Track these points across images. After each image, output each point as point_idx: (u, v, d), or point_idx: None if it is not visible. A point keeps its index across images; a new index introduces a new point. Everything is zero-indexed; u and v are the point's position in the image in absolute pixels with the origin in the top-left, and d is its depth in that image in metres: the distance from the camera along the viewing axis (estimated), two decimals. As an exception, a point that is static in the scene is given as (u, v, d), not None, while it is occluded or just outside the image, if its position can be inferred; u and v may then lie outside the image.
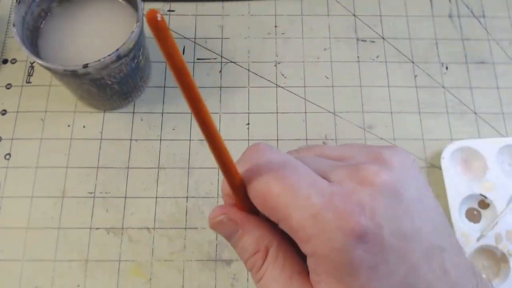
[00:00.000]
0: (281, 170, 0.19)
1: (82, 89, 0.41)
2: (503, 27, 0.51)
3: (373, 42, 0.50)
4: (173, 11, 0.51)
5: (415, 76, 0.49)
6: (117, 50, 0.37)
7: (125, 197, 0.43)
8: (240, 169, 0.20)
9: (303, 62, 0.49)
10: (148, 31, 0.48)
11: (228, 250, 0.42)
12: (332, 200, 0.18)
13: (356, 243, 0.17)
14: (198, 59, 0.49)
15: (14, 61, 0.48)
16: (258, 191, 0.19)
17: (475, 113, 0.48)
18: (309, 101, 0.47)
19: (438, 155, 0.44)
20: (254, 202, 0.20)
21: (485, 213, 0.43)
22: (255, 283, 0.20)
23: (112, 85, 0.41)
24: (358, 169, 0.19)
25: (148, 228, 0.42)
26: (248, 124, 0.46)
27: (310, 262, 0.19)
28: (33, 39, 0.41)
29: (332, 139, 0.46)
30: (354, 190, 0.18)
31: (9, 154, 0.45)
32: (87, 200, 0.43)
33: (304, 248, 0.18)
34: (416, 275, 0.18)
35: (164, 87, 0.47)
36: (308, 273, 0.19)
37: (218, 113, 0.47)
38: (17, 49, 0.48)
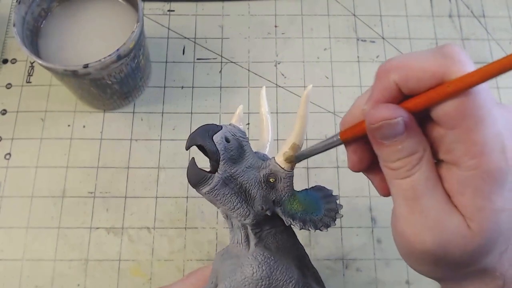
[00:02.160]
0: (481, 86, 0.19)
1: (82, 89, 0.41)
2: (503, 27, 0.51)
3: (373, 42, 0.50)
4: (173, 11, 0.51)
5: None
6: (118, 50, 0.37)
7: (125, 197, 0.43)
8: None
9: (303, 62, 0.49)
10: (148, 31, 0.48)
11: (228, 250, 0.42)
12: (509, 124, 0.20)
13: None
14: (198, 59, 0.49)
15: (14, 61, 0.48)
16: (457, 98, 0.19)
17: (475, 113, 0.48)
18: (309, 101, 0.47)
19: (438, 155, 0.44)
20: (442, 109, 0.19)
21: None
22: (396, 180, 0.21)
23: (112, 85, 0.41)
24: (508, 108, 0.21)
25: (148, 228, 0.42)
26: (248, 124, 0.46)
27: (461, 175, 0.20)
28: (33, 39, 0.41)
29: (332, 139, 0.46)
30: None
31: (9, 154, 0.45)
32: (87, 200, 0.43)
33: (466, 161, 0.19)
34: None
35: (164, 87, 0.47)
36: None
37: (218, 113, 0.47)
38: (17, 49, 0.48)
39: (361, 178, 0.44)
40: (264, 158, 0.29)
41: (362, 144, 0.23)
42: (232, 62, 0.49)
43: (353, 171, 0.25)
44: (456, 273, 0.22)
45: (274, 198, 0.27)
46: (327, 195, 0.29)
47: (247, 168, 0.27)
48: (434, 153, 0.21)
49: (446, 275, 0.22)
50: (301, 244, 0.30)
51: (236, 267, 0.27)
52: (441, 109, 0.19)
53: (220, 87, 0.48)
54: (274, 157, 0.28)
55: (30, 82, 0.47)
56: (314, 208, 0.28)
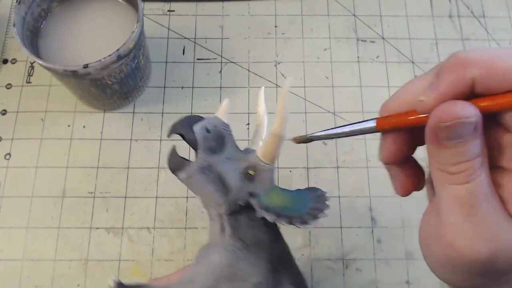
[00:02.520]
0: None
1: (82, 89, 0.41)
2: (503, 27, 0.51)
3: (373, 42, 0.50)
4: (173, 11, 0.51)
5: (415, 76, 0.49)
6: (117, 50, 0.37)
7: (125, 197, 0.43)
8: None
9: (303, 62, 0.49)
10: (148, 31, 0.48)
11: (228, 250, 0.42)
12: None
13: None
14: (198, 59, 0.49)
15: (14, 61, 0.48)
16: None
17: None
18: (309, 101, 0.47)
19: (438, 155, 0.44)
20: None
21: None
22: (452, 185, 0.19)
23: (112, 85, 0.41)
24: None
25: (148, 228, 0.42)
26: (248, 124, 0.46)
27: None
28: (33, 39, 0.41)
29: (332, 139, 0.46)
30: None
31: (9, 154, 0.45)
32: (87, 200, 0.43)
33: None
34: None
35: (164, 87, 0.47)
36: None
37: (218, 113, 0.47)
38: (17, 49, 0.48)
39: (361, 178, 0.45)
40: (249, 152, 0.29)
41: (403, 134, 0.21)
42: (232, 62, 0.49)
43: (384, 163, 0.23)
44: (496, 282, 0.21)
45: (252, 190, 0.27)
46: (319, 196, 0.29)
47: (226, 159, 0.27)
48: (495, 159, 0.20)
49: (485, 284, 0.21)
50: (285, 243, 0.30)
51: (205, 254, 0.28)
52: None
53: (220, 87, 0.48)
54: (255, 151, 0.28)
55: (30, 82, 0.47)
56: (296, 205, 0.28)
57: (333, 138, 0.25)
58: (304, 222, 0.26)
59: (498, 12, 0.52)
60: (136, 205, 0.43)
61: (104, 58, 0.37)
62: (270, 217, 0.26)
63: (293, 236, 0.42)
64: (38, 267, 0.41)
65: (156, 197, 0.43)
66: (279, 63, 0.49)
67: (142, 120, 0.46)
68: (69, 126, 0.46)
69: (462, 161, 0.19)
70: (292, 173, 0.44)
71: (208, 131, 0.27)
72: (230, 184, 0.27)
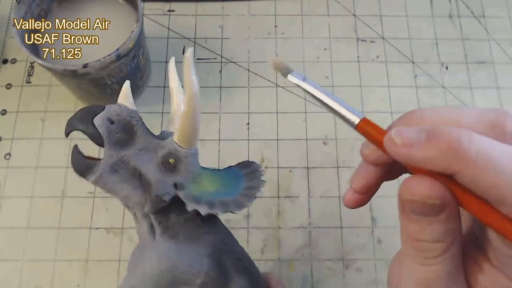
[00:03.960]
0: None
1: (82, 89, 0.41)
2: (503, 27, 0.51)
3: (373, 42, 0.50)
4: (173, 11, 0.51)
5: (415, 76, 0.49)
6: (117, 50, 0.37)
7: (125, 197, 0.43)
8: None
9: (303, 62, 0.49)
10: (148, 31, 0.48)
11: (228, 250, 0.42)
12: None
13: None
14: (198, 59, 0.49)
15: (14, 61, 0.48)
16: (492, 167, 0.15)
17: (475, 113, 0.48)
18: (309, 101, 0.47)
19: (438, 155, 0.44)
20: (475, 180, 0.16)
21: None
22: (411, 261, 0.18)
23: (112, 85, 0.41)
24: None
25: (148, 228, 0.42)
26: (248, 124, 0.46)
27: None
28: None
29: (332, 139, 0.46)
30: None
31: (9, 154, 0.45)
32: (87, 200, 0.43)
33: None
34: None
35: (164, 87, 0.47)
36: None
37: (218, 113, 0.47)
38: (17, 49, 0.48)
39: (361, 178, 0.44)
40: (166, 137, 0.26)
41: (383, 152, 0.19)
42: (232, 62, 0.49)
43: (365, 159, 0.21)
44: None
45: (176, 180, 0.24)
46: (253, 171, 0.26)
47: (140, 150, 0.24)
48: (477, 244, 0.18)
49: None
50: (226, 230, 0.27)
51: (138, 260, 0.24)
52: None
53: (220, 87, 0.48)
54: (172, 134, 0.25)
55: (30, 82, 0.47)
56: (229, 187, 0.25)
57: (313, 97, 0.22)
58: (240, 206, 0.24)
59: (498, 12, 0.52)
60: (136, 205, 0.43)
61: (103, 57, 0.37)
62: (202, 210, 0.23)
63: (293, 236, 0.42)
64: (38, 267, 0.41)
65: (156, 197, 0.43)
66: (279, 63, 0.49)
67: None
68: (69, 126, 0.46)
69: (423, 240, 0.18)
70: (292, 173, 0.44)
71: (111, 122, 0.24)
72: (149, 178, 0.24)
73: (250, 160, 0.26)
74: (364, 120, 0.19)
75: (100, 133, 0.23)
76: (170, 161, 0.24)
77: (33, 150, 0.45)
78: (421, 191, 0.17)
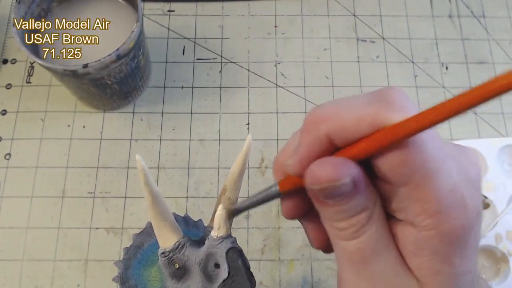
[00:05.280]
0: (429, 135, 0.17)
1: (82, 89, 0.41)
2: (503, 27, 0.51)
3: (373, 42, 0.50)
4: (173, 11, 0.51)
5: (415, 76, 0.49)
6: (117, 50, 0.37)
7: (125, 197, 0.43)
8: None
9: (303, 62, 0.49)
10: (148, 31, 0.48)
11: (228, 250, 0.42)
12: (466, 175, 0.17)
13: (477, 223, 0.17)
14: (198, 59, 0.49)
15: (14, 61, 0.48)
16: (402, 151, 0.16)
17: (475, 113, 0.48)
18: (309, 101, 0.47)
19: (438, 155, 0.44)
20: (383, 160, 0.17)
21: (485, 213, 0.43)
22: (342, 241, 0.18)
23: (112, 85, 0.41)
24: (464, 152, 0.19)
25: (148, 228, 0.42)
26: (248, 124, 0.46)
27: (417, 235, 0.17)
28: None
29: (332, 139, 0.46)
30: (469, 168, 0.18)
31: (9, 154, 0.45)
32: (87, 200, 0.43)
33: (422, 221, 0.17)
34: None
35: (164, 87, 0.47)
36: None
37: (218, 113, 0.47)
38: (17, 49, 0.48)
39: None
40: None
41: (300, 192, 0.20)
42: (232, 62, 0.49)
43: (286, 218, 0.22)
44: None
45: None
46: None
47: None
48: (387, 207, 0.19)
49: None
50: None
51: None
52: (383, 164, 0.17)
53: (220, 87, 0.48)
54: (210, 234, 0.25)
55: (30, 82, 0.47)
56: None
57: (249, 208, 0.24)
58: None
59: (498, 12, 0.52)
60: (136, 205, 0.43)
61: (103, 57, 0.37)
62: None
63: (293, 236, 0.42)
64: (38, 267, 0.41)
65: (156, 197, 0.43)
66: (279, 63, 0.49)
67: (142, 120, 0.46)
68: (69, 126, 0.46)
69: (345, 218, 0.18)
70: (292, 173, 0.44)
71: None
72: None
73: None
74: (280, 183, 0.21)
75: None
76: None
77: (33, 150, 0.45)
78: (326, 175, 0.17)
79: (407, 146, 0.16)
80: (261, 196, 0.22)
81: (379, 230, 0.18)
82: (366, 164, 0.18)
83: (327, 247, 0.22)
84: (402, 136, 0.16)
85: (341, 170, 0.17)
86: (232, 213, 0.25)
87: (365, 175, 0.18)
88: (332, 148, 0.18)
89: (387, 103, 0.17)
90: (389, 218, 0.19)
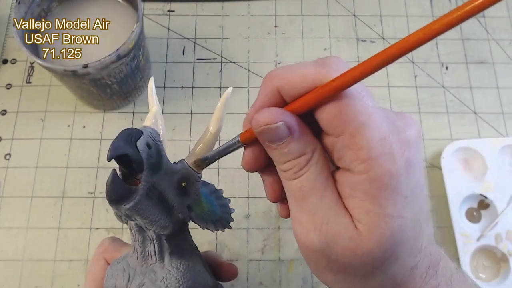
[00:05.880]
0: (360, 94, 0.20)
1: (82, 89, 0.41)
2: (503, 27, 0.51)
3: (373, 42, 0.50)
4: (173, 11, 0.51)
5: (415, 76, 0.49)
6: (117, 50, 0.37)
7: (125, 197, 0.43)
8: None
9: (303, 62, 0.49)
10: (148, 31, 0.48)
11: (228, 250, 0.42)
12: (397, 130, 0.20)
13: (406, 172, 0.20)
14: (198, 59, 0.49)
15: (14, 61, 0.48)
16: (336, 105, 0.19)
17: (475, 113, 0.48)
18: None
19: (438, 155, 0.44)
20: (322, 114, 0.20)
21: (485, 213, 0.43)
22: (287, 181, 0.21)
23: (112, 85, 0.41)
24: (402, 116, 0.22)
25: (148, 228, 0.42)
26: (248, 124, 0.46)
27: (352, 179, 0.20)
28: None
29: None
30: (404, 128, 0.21)
31: (9, 154, 0.45)
32: (87, 200, 0.43)
33: (355, 166, 0.19)
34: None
35: (164, 87, 0.47)
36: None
37: (218, 113, 0.47)
38: (17, 49, 0.48)
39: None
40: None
41: (259, 144, 0.23)
42: (232, 62, 0.49)
43: (246, 170, 0.24)
44: (364, 286, 0.21)
45: (188, 203, 0.26)
46: (213, 191, 0.28)
47: (164, 175, 0.25)
48: (331, 158, 0.21)
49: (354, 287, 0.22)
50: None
51: (153, 282, 0.25)
52: (322, 116, 0.20)
53: (220, 87, 0.48)
54: (184, 160, 0.26)
55: (30, 82, 0.47)
56: (212, 207, 0.27)
57: (219, 158, 0.26)
58: (225, 224, 0.28)
59: (498, 12, 0.52)
60: (136, 205, 0.43)
61: (103, 58, 0.37)
62: (212, 229, 0.26)
63: (292, 236, 0.42)
64: (38, 267, 0.41)
65: (156, 197, 0.43)
66: (279, 63, 0.49)
67: (142, 120, 0.46)
68: (69, 126, 0.46)
69: (287, 160, 0.21)
70: (292, 173, 0.44)
71: (149, 146, 0.24)
72: (171, 201, 0.25)
73: (204, 181, 0.28)
74: (241, 134, 0.23)
75: (141, 158, 0.23)
76: (183, 184, 0.26)
77: (33, 150, 0.45)
78: (263, 119, 0.20)
79: (341, 101, 0.19)
80: (225, 145, 0.24)
81: (317, 172, 0.21)
82: (312, 120, 0.21)
83: (281, 200, 0.24)
84: (334, 88, 0.19)
85: (275, 116, 0.20)
86: (202, 163, 0.26)
87: (302, 125, 0.21)
88: (282, 103, 0.21)
89: (328, 66, 0.20)
90: (336, 169, 0.21)
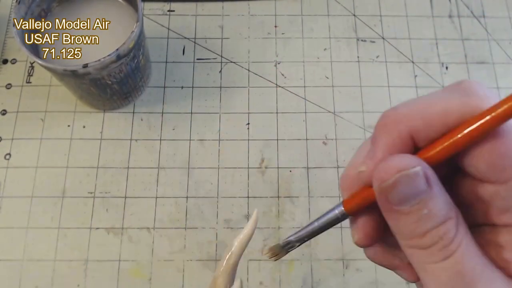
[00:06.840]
0: None
1: (82, 89, 0.41)
2: (503, 27, 0.51)
3: (373, 42, 0.50)
4: (173, 11, 0.51)
5: (415, 76, 0.49)
6: (117, 50, 0.37)
7: (125, 197, 0.43)
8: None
9: (303, 62, 0.49)
10: (148, 31, 0.48)
11: (228, 250, 0.42)
12: None
13: None
14: (198, 59, 0.49)
15: (14, 61, 0.48)
16: (499, 143, 0.14)
17: (475, 113, 0.48)
18: (309, 101, 0.47)
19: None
20: (478, 156, 0.15)
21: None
22: (430, 264, 0.15)
23: (112, 85, 0.41)
24: None
25: (148, 228, 0.42)
26: (248, 124, 0.46)
27: None
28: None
29: (332, 139, 0.46)
30: None
31: (9, 154, 0.45)
32: (87, 200, 0.43)
33: None
34: None
35: (164, 87, 0.47)
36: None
37: (218, 113, 0.47)
38: (17, 49, 0.48)
39: (361, 178, 0.44)
40: None
41: (370, 213, 0.18)
42: (232, 62, 0.49)
43: (362, 247, 0.19)
44: None
45: None
46: None
47: None
48: (475, 218, 0.16)
49: None
50: None
51: None
52: (479, 159, 0.15)
53: (220, 87, 0.48)
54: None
55: (30, 82, 0.47)
56: None
57: (307, 239, 0.21)
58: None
59: (498, 12, 0.52)
60: (136, 205, 0.43)
61: (103, 58, 0.37)
62: None
63: (293, 236, 0.42)
64: (38, 267, 0.41)
65: (156, 197, 0.43)
66: (279, 63, 0.49)
67: (142, 120, 0.46)
68: (69, 126, 0.46)
69: (428, 230, 0.15)
70: (292, 172, 0.44)
71: None
72: None
73: None
74: (344, 201, 0.18)
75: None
76: None
77: (33, 150, 0.45)
78: (398, 164, 0.15)
79: (503, 137, 0.14)
80: (320, 223, 0.19)
81: (472, 242, 0.15)
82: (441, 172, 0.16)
83: (375, 243, 0.19)
84: (496, 122, 0.14)
85: (410, 160, 0.15)
86: (282, 247, 0.22)
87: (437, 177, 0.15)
88: (412, 150, 0.16)
89: (474, 94, 0.15)
90: (477, 229, 0.16)
